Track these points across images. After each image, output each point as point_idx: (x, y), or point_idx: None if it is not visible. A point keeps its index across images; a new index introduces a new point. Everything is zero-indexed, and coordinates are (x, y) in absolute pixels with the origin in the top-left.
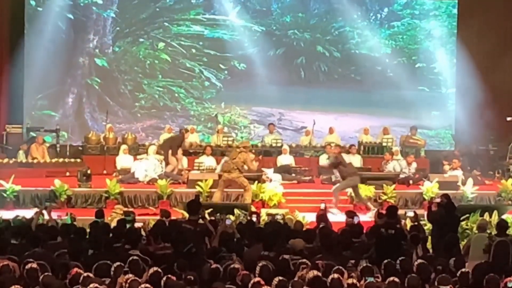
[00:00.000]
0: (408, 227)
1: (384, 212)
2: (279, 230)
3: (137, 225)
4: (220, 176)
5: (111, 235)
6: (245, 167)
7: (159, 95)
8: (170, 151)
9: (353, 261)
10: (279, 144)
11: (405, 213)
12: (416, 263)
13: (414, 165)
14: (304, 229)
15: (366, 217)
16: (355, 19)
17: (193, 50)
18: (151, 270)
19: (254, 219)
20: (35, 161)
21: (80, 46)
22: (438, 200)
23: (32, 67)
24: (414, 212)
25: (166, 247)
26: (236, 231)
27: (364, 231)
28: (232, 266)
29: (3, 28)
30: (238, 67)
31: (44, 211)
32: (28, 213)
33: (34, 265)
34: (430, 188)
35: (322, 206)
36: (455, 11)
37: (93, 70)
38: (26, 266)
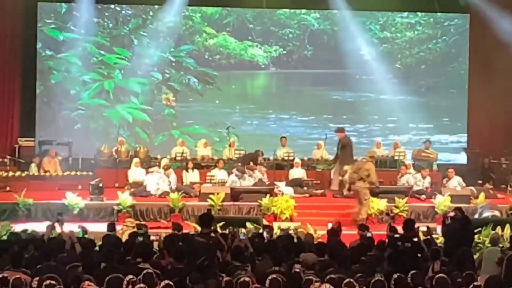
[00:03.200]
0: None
1: (395, 225)
2: (290, 243)
3: (153, 238)
4: (349, 188)
5: (123, 248)
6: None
7: (171, 109)
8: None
9: (364, 275)
10: (291, 158)
11: (418, 227)
12: (436, 276)
13: (428, 179)
14: (315, 242)
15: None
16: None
17: (204, 67)
18: (162, 283)
19: (265, 233)
20: (47, 174)
21: (92, 59)
22: (452, 214)
23: (45, 80)
24: (427, 226)
25: (179, 261)
26: (249, 245)
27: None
28: (242, 279)
29: (16, 41)
30: (250, 82)
31: (57, 224)
32: (40, 226)
33: (53, 282)
34: (442, 202)
35: (329, 225)
36: (467, 23)
37: (105, 84)
38: (43, 282)
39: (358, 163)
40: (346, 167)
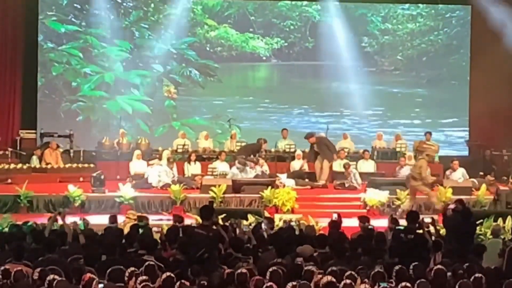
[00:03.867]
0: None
1: (396, 217)
2: (293, 235)
3: (155, 229)
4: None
5: (124, 240)
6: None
7: (172, 101)
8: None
9: (365, 267)
10: (292, 149)
11: (422, 219)
12: (434, 268)
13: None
14: (317, 234)
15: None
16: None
17: (205, 59)
18: (164, 275)
19: (263, 225)
20: (48, 166)
21: (93, 52)
22: (453, 206)
23: (46, 72)
24: (432, 217)
25: (179, 253)
26: (252, 237)
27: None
28: (240, 271)
29: (17, 34)
30: (252, 74)
31: (58, 217)
32: (41, 219)
33: (57, 277)
34: (444, 194)
35: (334, 216)
36: (468, 15)
37: (106, 76)
38: (45, 274)
39: (416, 161)
40: (328, 163)
